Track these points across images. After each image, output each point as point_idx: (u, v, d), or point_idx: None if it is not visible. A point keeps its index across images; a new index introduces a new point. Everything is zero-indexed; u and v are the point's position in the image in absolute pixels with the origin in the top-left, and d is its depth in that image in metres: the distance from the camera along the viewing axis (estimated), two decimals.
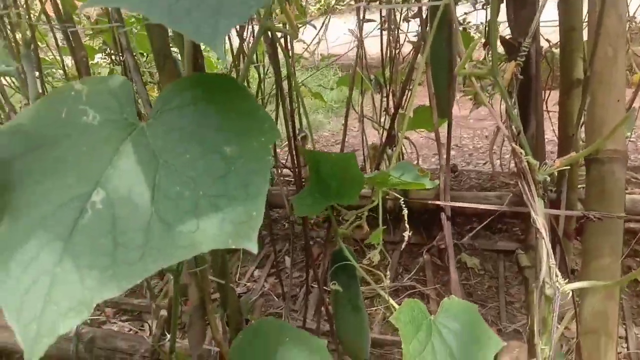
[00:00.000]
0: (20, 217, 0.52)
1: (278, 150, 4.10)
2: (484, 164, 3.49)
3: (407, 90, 1.76)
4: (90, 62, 1.78)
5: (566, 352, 1.37)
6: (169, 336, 1.43)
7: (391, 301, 1.07)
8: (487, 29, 1.84)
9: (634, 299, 1.92)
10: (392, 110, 1.93)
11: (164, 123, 0.56)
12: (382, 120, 2.22)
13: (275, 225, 2.79)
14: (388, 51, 1.98)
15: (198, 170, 0.51)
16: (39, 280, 0.48)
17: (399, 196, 1.09)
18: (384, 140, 2.12)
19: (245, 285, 2.35)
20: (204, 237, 0.49)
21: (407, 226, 1.01)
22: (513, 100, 0.91)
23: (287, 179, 3.03)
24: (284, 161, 2.82)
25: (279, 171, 2.88)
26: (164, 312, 1.43)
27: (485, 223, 2.16)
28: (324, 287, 1.53)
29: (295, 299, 2.21)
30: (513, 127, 0.93)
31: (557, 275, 0.82)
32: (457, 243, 2.25)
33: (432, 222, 2.42)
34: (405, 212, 1.02)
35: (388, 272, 1.01)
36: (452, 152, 3.75)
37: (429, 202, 1.17)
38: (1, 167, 0.55)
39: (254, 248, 0.47)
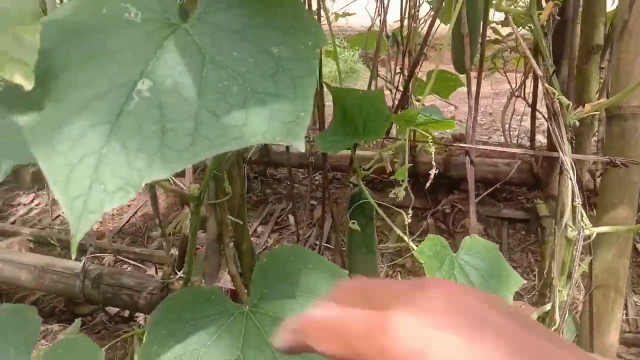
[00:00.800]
0: (64, 100, 0.51)
1: None
2: (488, 139, 3.49)
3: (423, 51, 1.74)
4: None
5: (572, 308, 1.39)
6: (179, 274, 1.43)
7: (409, 241, 1.08)
8: None
9: (635, 269, 1.94)
10: (407, 71, 1.91)
11: (209, 22, 0.54)
12: (397, 81, 2.20)
13: (279, 184, 2.79)
14: (407, 6, 1.95)
15: (247, 67, 0.50)
16: (85, 159, 0.47)
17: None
18: (396, 102, 2.11)
19: None
20: (252, 131, 0.48)
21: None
22: (548, 41, 0.90)
23: None
24: None
25: None
26: (174, 251, 1.43)
27: (490, 190, 2.16)
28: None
29: None
30: (543, 69, 0.92)
31: (582, 215, 0.82)
32: (462, 209, 2.26)
33: (437, 187, 2.43)
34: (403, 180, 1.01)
35: (410, 211, 1.01)
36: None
37: (454, 145, 1.16)
38: (41, 56, 0.54)
39: (301, 146, 0.46)
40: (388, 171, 1.08)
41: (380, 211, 1.17)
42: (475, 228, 1.12)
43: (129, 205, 2.82)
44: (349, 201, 1.26)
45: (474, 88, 1.12)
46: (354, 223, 1.15)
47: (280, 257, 0.75)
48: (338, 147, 1.04)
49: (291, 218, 2.49)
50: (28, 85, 0.46)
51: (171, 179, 1.44)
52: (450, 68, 1.58)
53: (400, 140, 1.02)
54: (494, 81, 5.48)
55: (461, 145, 1.10)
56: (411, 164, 1.23)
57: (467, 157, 1.12)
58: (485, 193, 2.16)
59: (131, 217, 2.71)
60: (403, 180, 0.98)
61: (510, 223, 2.23)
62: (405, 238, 1.12)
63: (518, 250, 2.11)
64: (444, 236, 2.22)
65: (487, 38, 1.77)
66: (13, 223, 2.74)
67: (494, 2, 1.04)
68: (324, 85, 1.29)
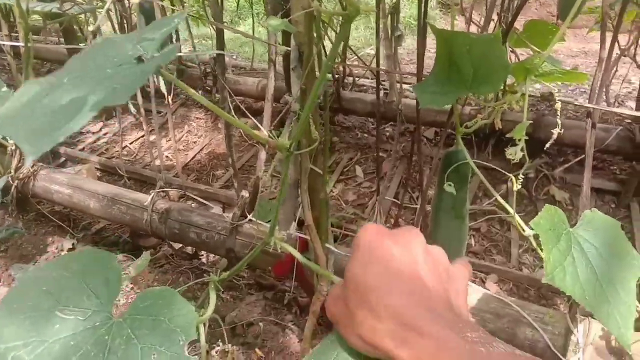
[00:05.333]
0: None
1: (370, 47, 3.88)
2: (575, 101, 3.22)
3: None
4: None
5: None
6: (249, 216, 1.37)
7: (513, 212, 0.96)
8: None
9: None
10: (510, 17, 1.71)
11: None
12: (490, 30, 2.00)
13: (347, 133, 2.68)
14: None
15: None
16: None
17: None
18: None
19: None
20: None
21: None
22: None
23: (365, 84, 2.87)
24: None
25: (353, 80, 2.73)
26: (245, 193, 1.37)
27: (582, 157, 1.97)
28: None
29: (364, 207, 2.13)
30: None
31: None
32: (548, 174, 2.09)
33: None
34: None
35: (521, 176, 0.89)
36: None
37: (576, 103, 1.01)
38: None
39: None
40: (497, 128, 0.95)
41: (479, 174, 1.05)
42: (588, 198, 0.98)
43: (194, 142, 2.79)
44: (442, 160, 1.14)
45: (608, 39, 0.95)
46: (449, 185, 1.03)
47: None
48: (440, 101, 0.91)
49: (358, 169, 2.39)
50: None
51: (252, 120, 1.36)
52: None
53: (517, 94, 0.88)
54: (581, 39, 5.09)
55: (583, 105, 0.95)
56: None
57: (589, 119, 0.96)
58: (576, 160, 1.98)
59: (197, 153, 2.68)
60: (520, 140, 0.85)
61: (599, 194, 2.05)
62: (508, 207, 1.00)
63: None
64: (524, 203, 2.07)
65: None
66: (82, 150, 2.78)
67: None
68: (428, 26, 1.15)
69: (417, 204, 2.08)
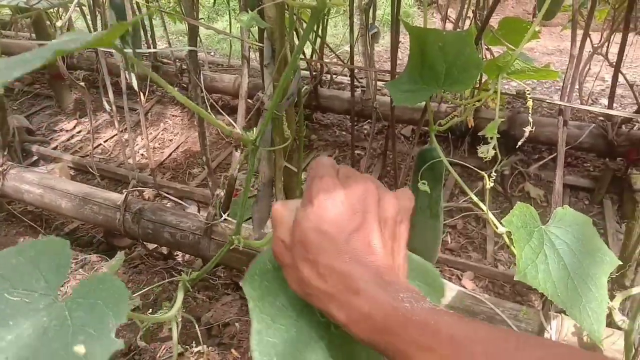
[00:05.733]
0: None
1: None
2: (549, 98, 3.26)
3: None
4: None
5: None
6: (224, 216, 1.36)
7: (487, 211, 0.96)
8: None
9: None
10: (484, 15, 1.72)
11: None
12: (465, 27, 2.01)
13: (325, 130, 2.67)
14: None
15: None
16: None
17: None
18: None
19: None
20: None
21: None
22: None
23: (344, 82, 2.86)
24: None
25: (331, 77, 2.71)
26: (220, 192, 1.35)
27: (555, 154, 1.99)
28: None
29: None
30: None
31: None
32: (523, 171, 2.11)
33: (497, 147, 2.27)
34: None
35: (494, 173, 0.89)
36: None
37: (547, 100, 1.01)
38: None
39: None
40: (470, 125, 0.95)
41: (453, 172, 1.05)
42: (560, 195, 0.99)
43: (170, 140, 2.75)
44: (417, 158, 1.14)
45: (578, 37, 0.96)
46: (423, 184, 1.03)
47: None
48: (413, 99, 0.90)
49: None
50: None
51: (225, 116, 1.34)
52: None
53: (490, 92, 0.88)
54: (556, 38, 5.15)
55: (555, 102, 0.96)
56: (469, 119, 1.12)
57: (561, 117, 0.97)
58: (551, 157, 2.00)
59: (172, 152, 2.65)
60: (492, 137, 0.85)
61: (572, 191, 2.07)
62: (482, 205, 1.01)
63: None
64: (500, 199, 2.09)
65: None
66: (55, 148, 2.72)
67: None
68: (401, 22, 1.14)
69: None
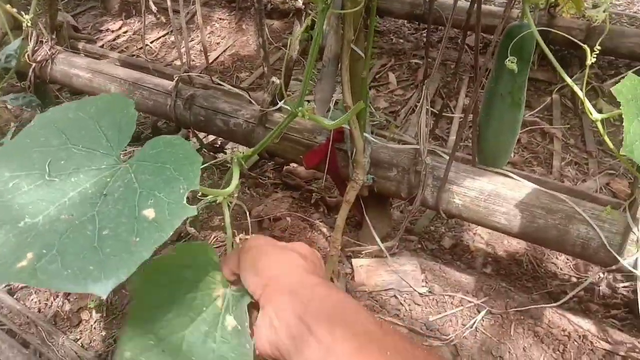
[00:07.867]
0: None
1: None
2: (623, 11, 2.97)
3: None
4: None
5: None
6: (279, 104, 1.28)
7: (579, 91, 0.86)
8: None
9: None
10: None
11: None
12: None
13: (381, 37, 2.52)
14: None
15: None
16: None
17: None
18: None
19: None
20: None
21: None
22: None
23: None
24: None
25: None
26: (275, 79, 1.26)
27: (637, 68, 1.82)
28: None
29: (397, 115, 2.02)
30: None
31: None
32: (596, 86, 1.94)
33: (569, 59, 2.09)
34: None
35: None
36: None
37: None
38: None
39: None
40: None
41: (547, 50, 0.94)
42: None
43: (217, 43, 2.66)
44: (504, 35, 1.02)
45: None
46: (512, 62, 0.92)
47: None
48: None
49: (391, 76, 2.26)
50: None
51: None
52: None
53: None
54: None
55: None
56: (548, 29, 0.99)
57: None
58: (631, 72, 1.82)
59: (220, 55, 2.56)
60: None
61: None
62: (577, 90, 0.91)
63: None
64: (569, 116, 1.94)
65: None
66: (101, 47, 2.66)
67: None
68: None
69: (453, 113, 1.96)
